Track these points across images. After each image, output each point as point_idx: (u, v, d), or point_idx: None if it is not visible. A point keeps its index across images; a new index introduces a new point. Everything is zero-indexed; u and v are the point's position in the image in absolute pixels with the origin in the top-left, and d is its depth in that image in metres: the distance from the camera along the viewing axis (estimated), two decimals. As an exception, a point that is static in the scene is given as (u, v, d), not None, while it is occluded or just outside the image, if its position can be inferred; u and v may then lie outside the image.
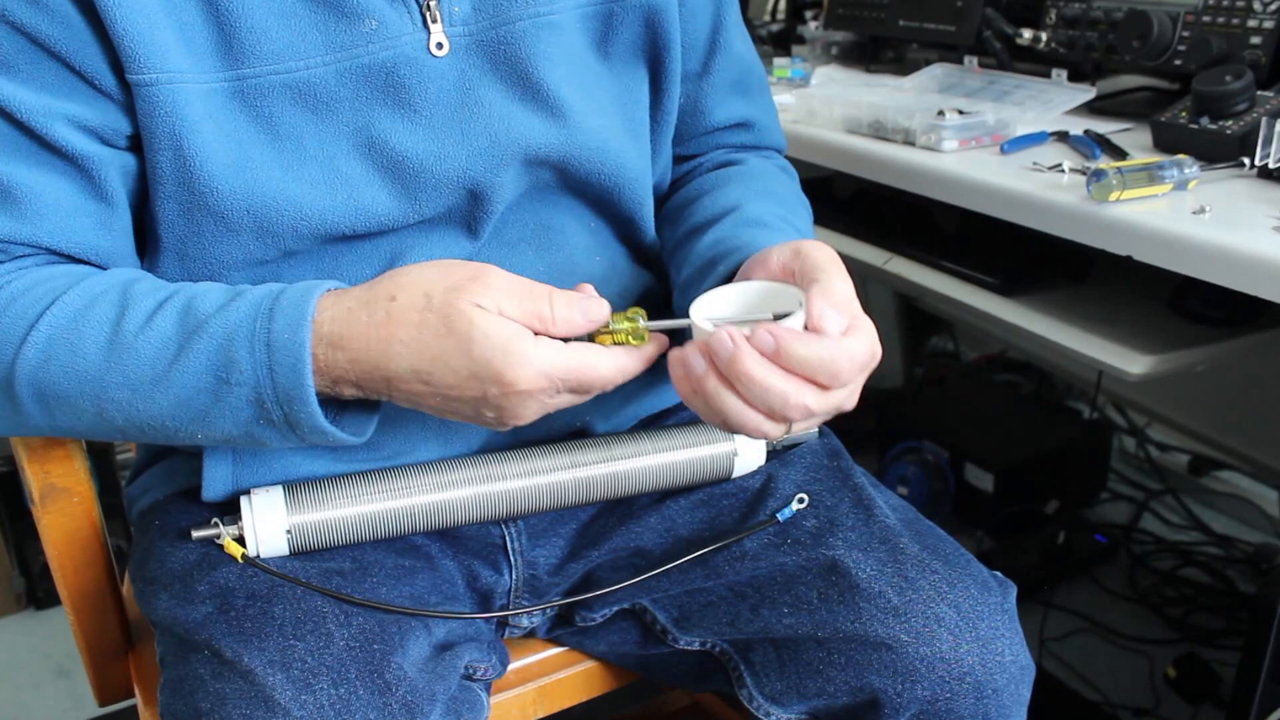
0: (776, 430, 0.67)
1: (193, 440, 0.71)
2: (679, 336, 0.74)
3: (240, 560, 0.77)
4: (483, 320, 0.66)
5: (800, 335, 0.65)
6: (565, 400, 0.70)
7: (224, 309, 0.68)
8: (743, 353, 0.64)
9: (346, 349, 0.67)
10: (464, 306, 0.66)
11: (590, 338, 0.71)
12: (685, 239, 0.89)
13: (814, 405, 0.65)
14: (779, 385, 0.64)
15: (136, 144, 0.74)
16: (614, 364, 0.70)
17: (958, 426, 1.95)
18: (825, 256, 0.71)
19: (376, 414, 0.74)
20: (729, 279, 0.78)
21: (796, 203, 0.93)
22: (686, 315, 0.76)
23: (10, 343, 0.68)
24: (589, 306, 0.70)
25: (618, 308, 0.89)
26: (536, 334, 0.68)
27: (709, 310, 0.71)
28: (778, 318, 0.69)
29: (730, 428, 0.67)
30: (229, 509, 0.80)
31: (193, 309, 0.69)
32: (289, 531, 0.78)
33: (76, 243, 0.73)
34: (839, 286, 0.69)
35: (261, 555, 0.78)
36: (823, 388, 0.66)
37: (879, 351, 0.68)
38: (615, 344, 0.72)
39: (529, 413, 0.69)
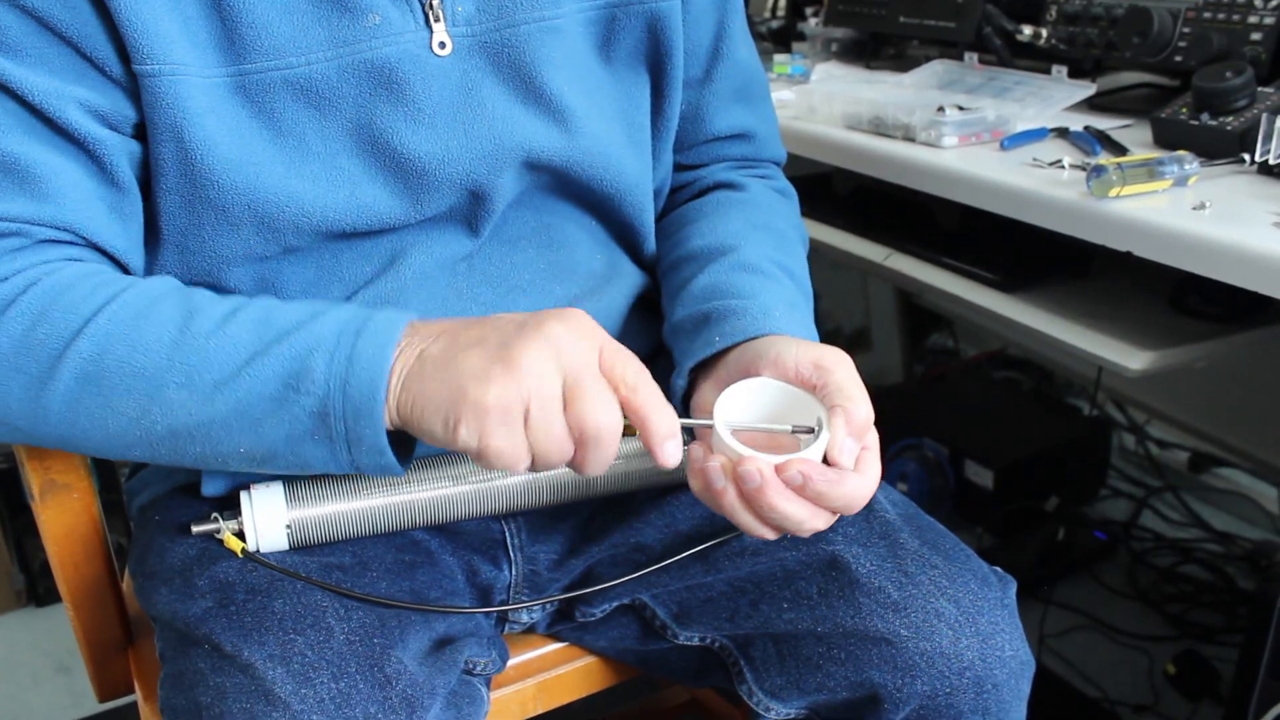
0: (776, 537, 0.71)
1: (228, 456, 0.69)
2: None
3: (240, 555, 0.77)
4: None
5: (825, 473, 0.68)
6: (551, 390, 0.64)
7: (307, 323, 0.67)
8: (770, 487, 0.67)
9: (440, 323, 0.68)
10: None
11: None
12: (679, 265, 0.89)
13: (822, 527, 0.70)
14: (798, 514, 0.68)
15: (143, 133, 0.74)
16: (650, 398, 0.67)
17: (957, 423, 1.96)
18: (847, 377, 0.72)
19: (413, 450, 0.73)
20: (725, 352, 0.78)
21: (794, 238, 0.94)
22: (673, 349, 0.83)
23: (61, 335, 0.66)
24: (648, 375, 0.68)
25: (618, 306, 0.89)
26: None
27: (730, 411, 0.72)
28: (796, 430, 0.72)
29: (738, 527, 0.71)
30: (229, 504, 0.80)
31: (271, 320, 0.68)
32: (289, 526, 0.78)
33: (94, 227, 0.72)
34: (860, 413, 0.70)
35: (261, 550, 0.78)
36: (832, 513, 0.70)
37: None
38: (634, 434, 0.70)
39: (537, 358, 0.63)
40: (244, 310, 0.68)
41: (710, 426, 0.70)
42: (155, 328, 0.67)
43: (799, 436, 0.72)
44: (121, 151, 0.73)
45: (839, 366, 0.72)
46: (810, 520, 0.69)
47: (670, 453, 0.67)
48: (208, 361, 0.66)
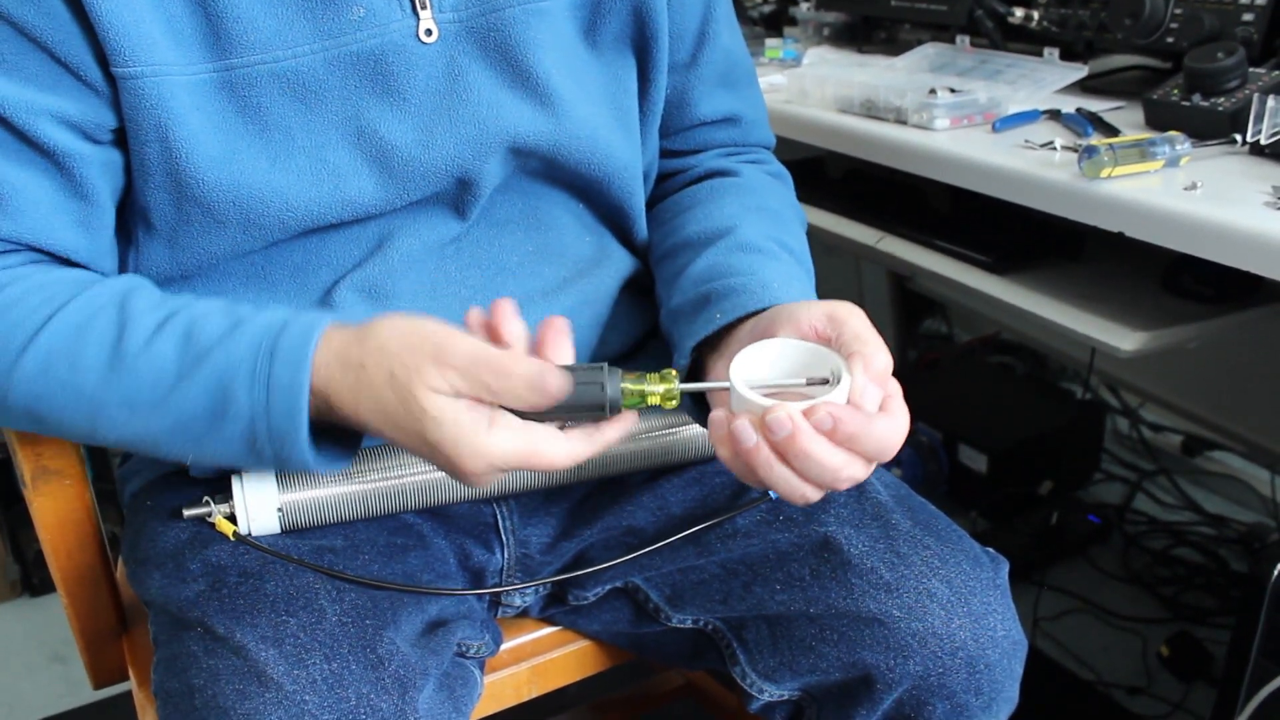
0: (818, 496, 0.68)
1: (180, 459, 0.71)
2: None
3: (232, 538, 0.77)
4: (435, 409, 0.64)
5: (856, 415, 0.65)
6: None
7: (225, 340, 0.68)
8: (802, 432, 0.64)
9: (327, 398, 0.67)
10: (419, 393, 0.64)
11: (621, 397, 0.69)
12: (676, 252, 0.88)
13: (860, 476, 0.67)
14: (834, 461, 0.65)
15: (121, 138, 0.74)
16: (568, 450, 0.68)
17: (952, 408, 1.96)
18: (862, 325, 0.70)
19: (356, 447, 0.74)
20: (734, 328, 0.77)
21: (791, 217, 0.93)
22: (673, 333, 0.81)
23: (8, 352, 0.68)
24: (547, 383, 0.65)
25: (607, 290, 0.89)
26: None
27: (745, 372, 0.70)
28: (810, 383, 0.70)
29: (778, 493, 0.68)
30: (220, 487, 0.80)
31: (194, 336, 0.68)
32: (280, 509, 0.78)
33: (56, 240, 0.73)
34: (879, 359, 0.68)
35: (253, 533, 0.78)
36: (868, 460, 0.67)
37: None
38: (647, 406, 0.70)
39: (484, 482, 0.68)
40: (171, 323, 0.69)
41: (726, 389, 0.69)
42: (92, 346, 0.69)
43: (816, 388, 0.70)
44: (93, 163, 0.73)
45: (852, 316, 0.71)
46: (846, 468, 0.66)
47: (553, 384, 0.65)
48: (140, 382, 0.68)
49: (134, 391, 0.68)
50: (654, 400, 0.70)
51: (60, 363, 0.68)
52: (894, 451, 0.67)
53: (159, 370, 0.68)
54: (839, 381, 0.68)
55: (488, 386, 0.64)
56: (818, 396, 0.68)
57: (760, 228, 0.86)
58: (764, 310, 0.76)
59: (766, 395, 0.67)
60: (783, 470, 0.66)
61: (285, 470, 0.70)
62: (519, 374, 0.64)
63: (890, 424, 0.66)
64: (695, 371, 0.80)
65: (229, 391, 0.67)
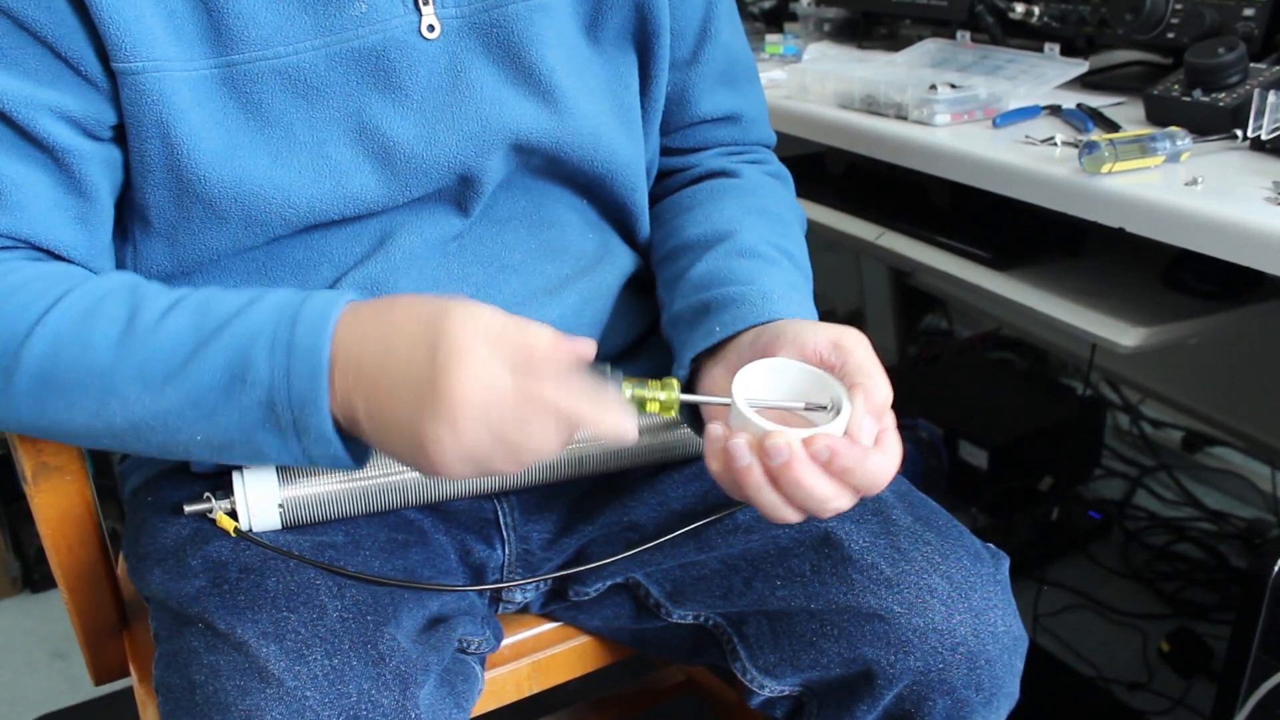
0: (799, 519, 0.69)
1: (188, 445, 0.69)
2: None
3: (233, 534, 0.77)
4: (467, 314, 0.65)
5: (852, 449, 0.66)
6: (505, 383, 0.64)
7: (244, 311, 0.67)
8: (799, 461, 0.65)
9: (351, 366, 0.66)
10: (454, 312, 0.65)
11: None
12: (676, 255, 0.88)
13: (845, 507, 0.68)
14: (824, 491, 0.66)
15: (120, 135, 0.73)
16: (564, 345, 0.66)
17: (952, 404, 1.96)
18: (866, 356, 0.71)
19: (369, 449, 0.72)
20: (736, 337, 0.77)
21: (791, 219, 0.93)
22: (673, 341, 0.81)
23: (15, 335, 0.67)
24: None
25: (610, 287, 0.89)
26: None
27: (746, 389, 0.70)
28: (809, 408, 0.71)
29: (760, 512, 0.69)
30: (221, 484, 0.80)
31: (210, 309, 0.67)
32: (281, 505, 0.78)
33: (54, 237, 0.72)
34: (880, 392, 0.69)
35: (254, 529, 0.78)
36: (856, 492, 0.68)
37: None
38: (644, 412, 0.70)
39: (466, 375, 0.63)
40: (185, 301, 0.68)
41: (727, 405, 0.69)
42: (103, 324, 0.67)
43: (814, 413, 0.71)
44: (93, 159, 0.72)
45: (858, 346, 0.71)
46: (834, 499, 0.67)
47: (626, 429, 0.65)
48: (154, 355, 0.66)
49: (148, 366, 0.66)
50: (653, 408, 0.71)
51: (70, 342, 0.66)
52: (883, 486, 0.68)
53: (175, 342, 0.66)
54: (838, 410, 0.69)
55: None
56: (816, 422, 0.69)
57: (760, 231, 0.87)
58: (766, 323, 0.76)
59: (763, 414, 0.68)
60: (771, 494, 0.67)
61: (306, 442, 0.67)
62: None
63: (883, 459, 0.68)
64: (694, 379, 0.80)
65: (249, 357, 0.65)
